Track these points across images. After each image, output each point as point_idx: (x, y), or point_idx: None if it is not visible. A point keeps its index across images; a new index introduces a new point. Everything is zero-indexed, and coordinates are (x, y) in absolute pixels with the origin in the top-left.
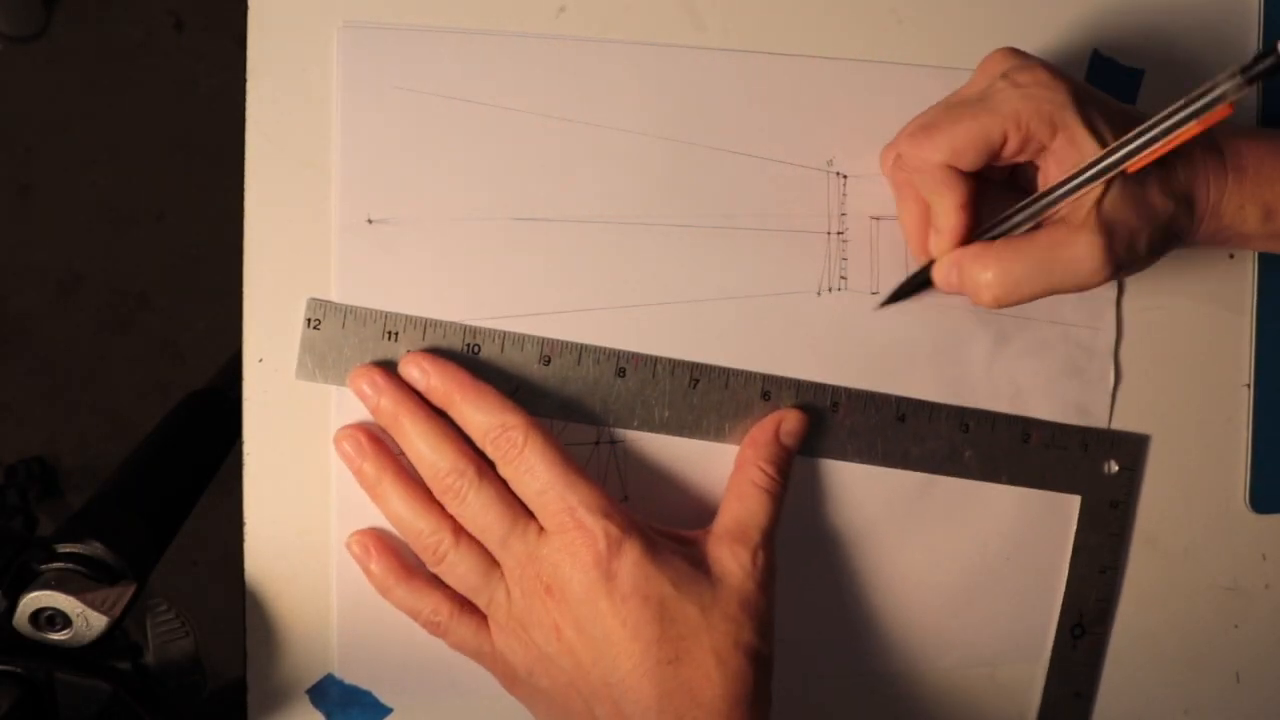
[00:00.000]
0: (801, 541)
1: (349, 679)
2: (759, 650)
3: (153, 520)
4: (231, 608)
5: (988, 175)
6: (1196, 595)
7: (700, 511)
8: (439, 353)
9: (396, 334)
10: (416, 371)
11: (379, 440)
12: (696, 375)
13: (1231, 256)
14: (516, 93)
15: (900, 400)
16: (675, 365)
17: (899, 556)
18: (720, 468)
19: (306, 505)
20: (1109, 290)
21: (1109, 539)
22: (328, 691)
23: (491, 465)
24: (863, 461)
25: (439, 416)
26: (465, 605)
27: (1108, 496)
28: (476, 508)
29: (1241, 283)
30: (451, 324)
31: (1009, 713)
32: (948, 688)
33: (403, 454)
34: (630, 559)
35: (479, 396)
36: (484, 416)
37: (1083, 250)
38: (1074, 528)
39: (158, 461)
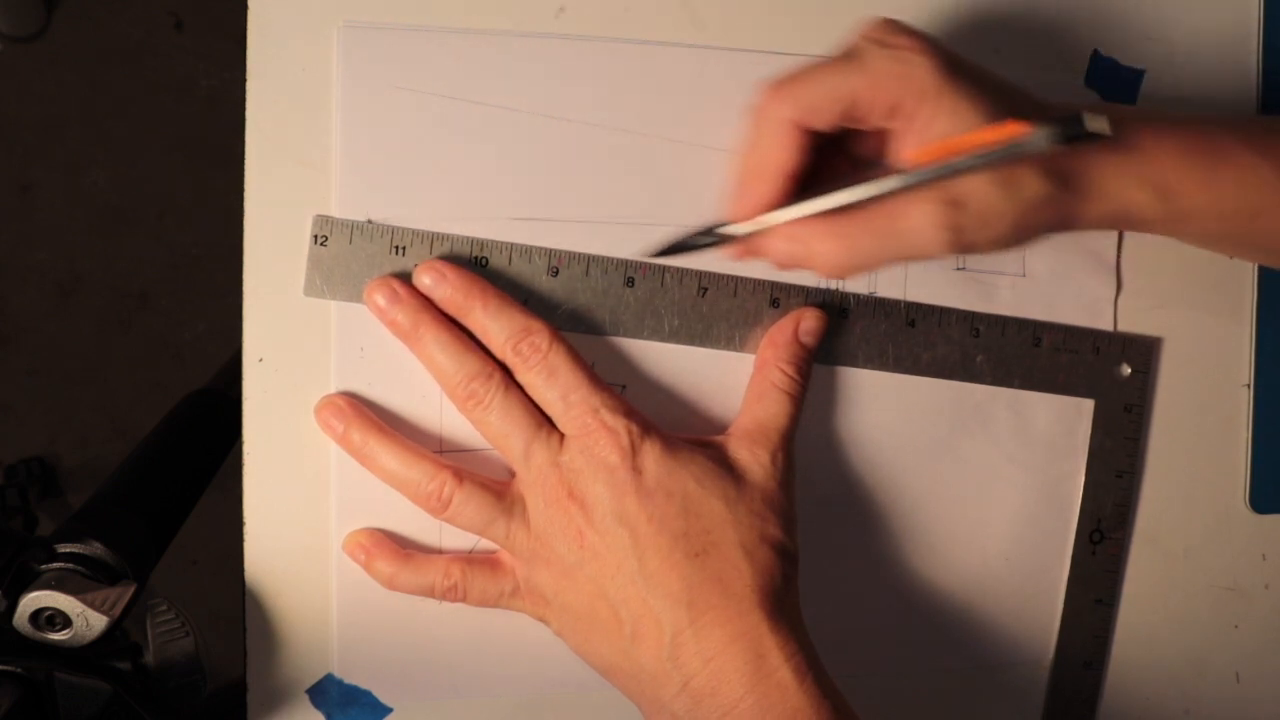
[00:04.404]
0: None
1: (349, 679)
2: (785, 545)
3: (153, 520)
4: (231, 608)
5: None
6: (1196, 595)
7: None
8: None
9: (404, 248)
10: (432, 278)
11: (356, 404)
12: (705, 283)
13: (1232, 256)
14: (516, 93)
15: (909, 305)
16: (683, 274)
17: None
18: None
19: (306, 505)
20: (1108, 290)
21: (1124, 443)
22: (328, 691)
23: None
24: (874, 368)
25: (456, 326)
26: (474, 558)
27: (1121, 400)
28: (501, 412)
29: (1241, 284)
30: (459, 236)
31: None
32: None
33: (386, 414)
34: (653, 455)
35: (500, 304)
36: (505, 323)
37: (918, 221)
38: (1088, 432)
39: (158, 461)
